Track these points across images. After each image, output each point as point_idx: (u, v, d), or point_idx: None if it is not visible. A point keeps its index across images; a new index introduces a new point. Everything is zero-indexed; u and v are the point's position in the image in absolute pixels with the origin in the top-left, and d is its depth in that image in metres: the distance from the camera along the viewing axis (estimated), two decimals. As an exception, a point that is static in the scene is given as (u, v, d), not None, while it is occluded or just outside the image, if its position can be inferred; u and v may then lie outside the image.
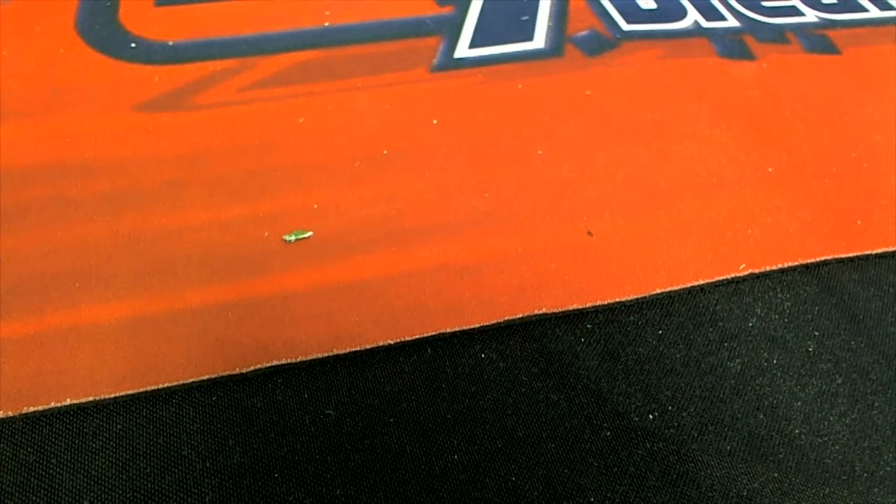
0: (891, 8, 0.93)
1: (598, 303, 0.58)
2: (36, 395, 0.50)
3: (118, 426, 0.49)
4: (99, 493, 0.46)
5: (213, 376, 0.51)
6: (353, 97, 0.73)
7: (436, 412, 0.51)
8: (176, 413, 0.50)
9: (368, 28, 0.82)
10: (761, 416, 0.53)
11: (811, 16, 0.90)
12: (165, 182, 0.64)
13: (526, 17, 0.86)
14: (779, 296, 0.60)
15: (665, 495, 0.48)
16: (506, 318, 0.56)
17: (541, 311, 0.56)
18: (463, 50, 0.80)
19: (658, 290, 0.59)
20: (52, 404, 0.49)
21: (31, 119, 0.69)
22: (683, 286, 0.59)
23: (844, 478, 0.50)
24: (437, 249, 0.60)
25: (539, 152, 0.69)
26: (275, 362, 0.52)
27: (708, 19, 0.88)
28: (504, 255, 0.60)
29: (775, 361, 0.56)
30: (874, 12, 0.92)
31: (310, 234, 0.60)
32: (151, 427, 0.49)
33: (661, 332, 0.57)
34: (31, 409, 0.49)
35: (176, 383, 0.51)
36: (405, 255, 0.59)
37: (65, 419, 0.49)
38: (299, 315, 0.55)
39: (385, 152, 0.68)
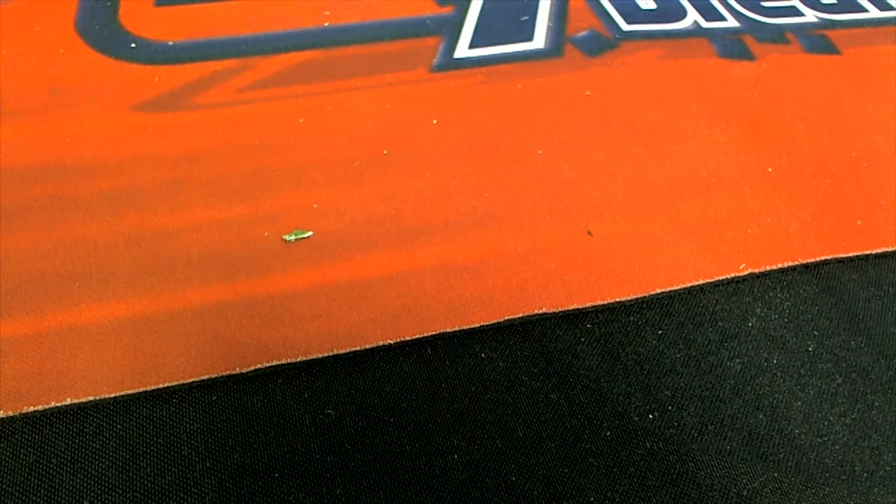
0: (890, 8, 0.93)
1: (598, 303, 0.58)
2: (36, 395, 0.50)
3: (118, 426, 0.49)
4: (99, 493, 0.46)
5: (213, 376, 0.51)
6: (353, 97, 0.73)
7: (436, 412, 0.51)
8: (176, 413, 0.50)
9: (368, 28, 0.82)
10: (761, 416, 0.53)
11: (811, 16, 0.90)
12: (165, 182, 0.64)
13: (526, 18, 0.86)
14: (779, 296, 0.60)
15: (665, 495, 0.48)
16: (506, 317, 0.56)
17: (541, 311, 0.56)
18: (463, 50, 0.80)
19: (658, 290, 0.59)
20: (52, 404, 0.49)
21: (31, 119, 0.69)
22: (683, 286, 0.59)
23: (844, 478, 0.50)
24: (437, 249, 0.60)
25: (539, 152, 0.69)
26: (275, 362, 0.52)
27: (708, 19, 0.88)
28: (504, 255, 0.60)
29: (775, 361, 0.56)
30: (874, 12, 0.92)
31: (310, 233, 0.60)
32: (151, 427, 0.49)
33: (661, 332, 0.57)
34: (31, 409, 0.49)
35: (176, 383, 0.51)
36: (405, 255, 0.59)
37: (65, 419, 0.49)
38: (299, 315, 0.55)
39: (385, 152, 0.68)
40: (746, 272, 0.61)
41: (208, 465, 0.47)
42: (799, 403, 0.54)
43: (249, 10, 0.83)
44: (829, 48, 0.85)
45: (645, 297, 0.58)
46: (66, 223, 0.60)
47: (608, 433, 0.51)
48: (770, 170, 0.70)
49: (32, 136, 0.67)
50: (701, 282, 0.60)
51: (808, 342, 0.57)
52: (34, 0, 0.82)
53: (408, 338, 0.54)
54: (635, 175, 0.68)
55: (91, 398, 0.49)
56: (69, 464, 0.47)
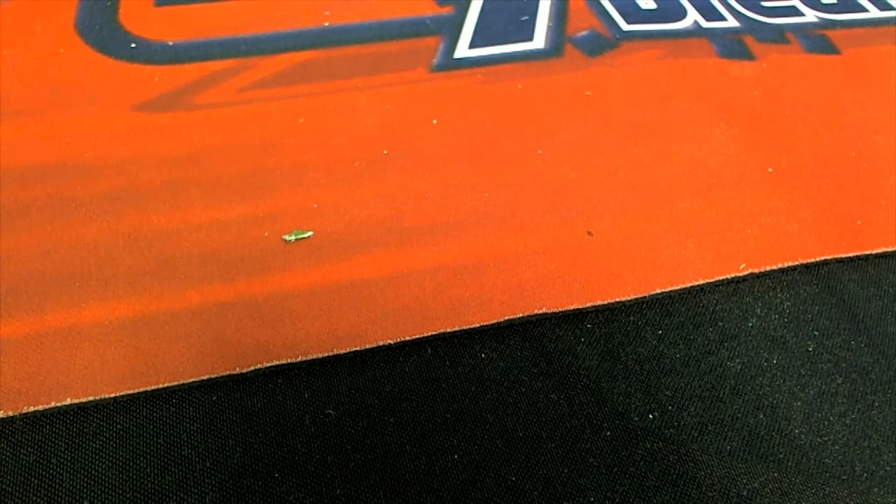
0: (891, 8, 0.93)
1: (598, 303, 0.58)
2: (36, 395, 0.50)
3: (118, 426, 0.49)
4: (99, 493, 0.46)
5: (213, 376, 0.51)
6: (353, 97, 0.73)
7: (436, 412, 0.51)
8: (176, 413, 0.50)
9: (368, 28, 0.82)
10: (761, 416, 0.53)
11: (811, 16, 0.90)
12: (165, 182, 0.64)
13: (526, 17, 0.86)
14: (779, 296, 0.60)
15: (665, 495, 0.48)
16: (506, 318, 0.56)
17: (541, 311, 0.56)
18: (463, 50, 0.80)
19: (658, 290, 0.59)
20: (52, 404, 0.49)
21: (31, 119, 0.69)
22: (683, 286, 0.59)
23: (844, 478, 0.50)
24: (437, 249, 0.60)
25: (539, 152, 0.69)
26: (275, 362, 0.52)
27: (708, 19, 0.88)
28: (504, 255, 0.60)
29: (775, 361, 0.56)
30: (874, 12, 0.92)
31: (310, 234, 0.60)
32: (151, 427, 0.49)
33: (661, 332, 0.57)
34: (31, 409, 0.49)
35: (176, 383, 0.51)
36: (405, 255, 0.59)
37: (65, 419, 0.49)
38: (299, 315, 0.55)
39: (385, 152, 0.68)
40: (746, 272, 0.61)
41: (208, 465, 0.47)
42: (799, 403, 0.54)
43: (249, 10, 0.83)
44: (829, 48, 0.85)
45: (645, 297, 0.58)
46: (66, 223, 0.60)
47: (608, 433, 0.51)
48: (770, 170, 0.70)
49: (32, 136, 0.67)
50: (701, 282, 0.60)
51: (808, 342, 0.57)
52: (34, 0, 0.82)
53: (408, 338, 0.54)
54: (635, 175, 0.68)
55: (91, 398, 0.49)
56: (69, 464, 0.47)
